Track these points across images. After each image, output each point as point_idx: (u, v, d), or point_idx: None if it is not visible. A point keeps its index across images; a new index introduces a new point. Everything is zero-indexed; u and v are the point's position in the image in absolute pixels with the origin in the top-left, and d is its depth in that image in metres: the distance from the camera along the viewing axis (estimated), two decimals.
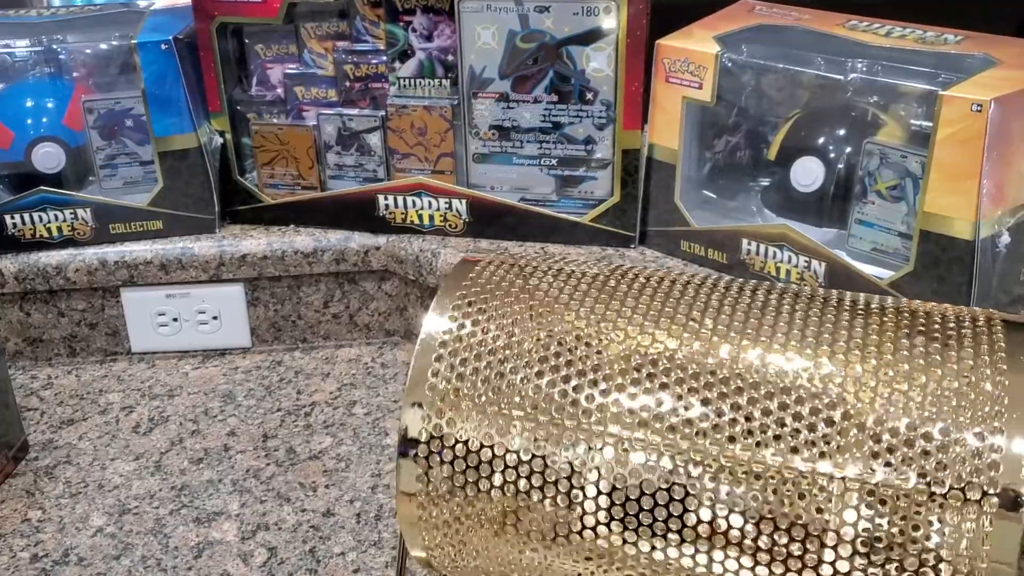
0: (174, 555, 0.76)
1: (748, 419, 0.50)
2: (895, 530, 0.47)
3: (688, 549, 0.50)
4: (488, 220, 1.06)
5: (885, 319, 0.54)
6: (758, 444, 0.49)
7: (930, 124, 0.85)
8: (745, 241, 0.99)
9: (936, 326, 0.52)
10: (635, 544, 0.52)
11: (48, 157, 1.05)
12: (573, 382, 0.54)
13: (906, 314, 0.54)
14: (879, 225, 0.93)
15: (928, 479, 0.46)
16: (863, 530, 0.47)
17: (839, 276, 0.93)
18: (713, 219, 1.04)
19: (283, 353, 1.08)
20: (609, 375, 0.53)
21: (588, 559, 0.54)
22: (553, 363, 0.55)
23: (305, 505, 0.82)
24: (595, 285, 0.59)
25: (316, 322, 1.09)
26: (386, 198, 1.07)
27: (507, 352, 0.56)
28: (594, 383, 0.53)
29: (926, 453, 0.47)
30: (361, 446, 0.90)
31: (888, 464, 0.47)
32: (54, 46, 1.07)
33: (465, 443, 0.55)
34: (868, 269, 0.92)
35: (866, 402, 0.49)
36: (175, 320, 1.06)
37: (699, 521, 0.50)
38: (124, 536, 0.79)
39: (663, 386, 0.52)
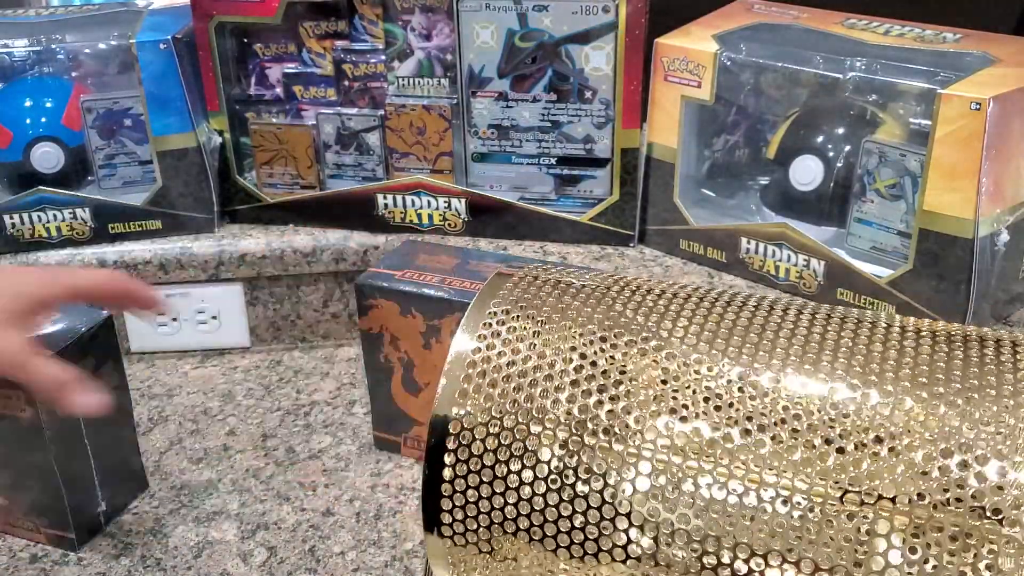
0: (174, 555, 0.76)
1: (789, 451, 0.48)
2: (929, 564, 0.45)
3: (725, 572, 0.49)
4: (487, 219, 1.06)
5: (921, 342, 0.51)
6: (800, 478, 0.47)
7: (929, 122, 0.85)
8: (744, 240, 0.99)
9: (974, 351, 0.51)
10: (668, 570, 0.50)
11: (47, 157, 1.05)
12: (606, 407, 0.52)
13: (943, 338, 0.52)
14: (878, 224, 0.93)
15: (965, 512, 0.45)
16: (898, 563, 0.46)
17: (838, 275, 0.93)
18: (712, 218, 1.04)
19: (282, 352, 1.08)
20: (644, 401, 0.52)
21: None
22: (585, 387, 0.53)
23: (304, 504, 0.82)
24: (630, 306, 0.57)
25: (315, 321, 1.09)
26: (385, 197, 1.07)
27: (537, 375, 0.54)
28: (628, 409, 0.52)
29: (962, 485, 0.45)
30: (361, 445, 0.90)
31: (924, 494, 0.45)
32: (52, 46, 1.07)
33: (492, 467, 0.53)
34: (867, 268, 0.92)
35: (913, 433, 0.47)
36: (174, 320, 1.06)
37: (737, 543, 0.49)
38: (124, 536, 0.79)
39: (699, 415, 0.50)
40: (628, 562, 0.51)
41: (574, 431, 0.52)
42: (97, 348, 0.72)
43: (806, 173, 0.97)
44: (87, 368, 0.73)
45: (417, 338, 0.82)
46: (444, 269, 0.83)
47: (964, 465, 0.46)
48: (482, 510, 0.54)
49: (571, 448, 0.52)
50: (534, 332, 0.56)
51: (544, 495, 0.52)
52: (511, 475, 0.53)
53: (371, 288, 0.81)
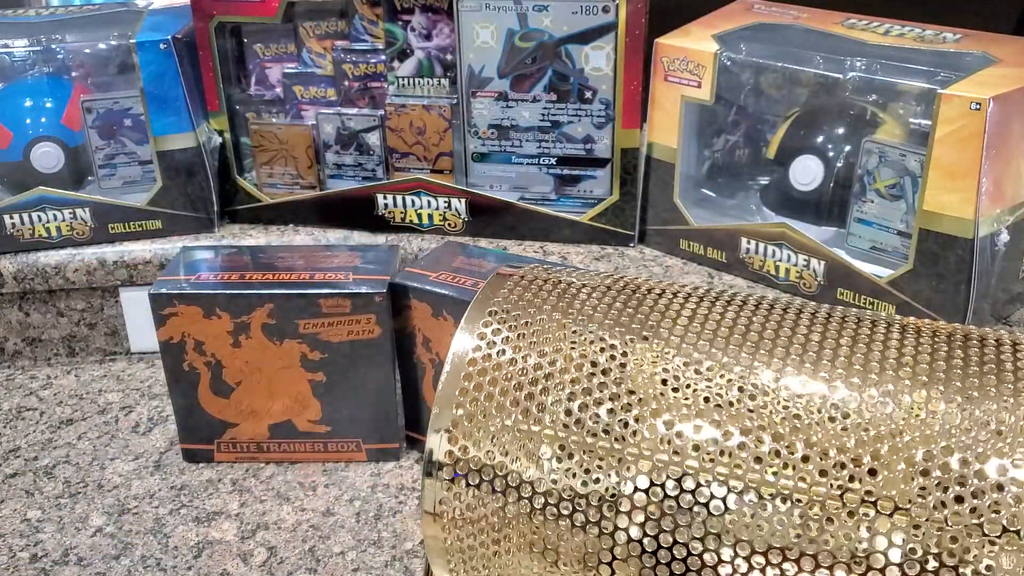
0: (174, 555, 0.76)
1: (790, 450, 0.48)
2: (930, 561, 0.45)
3: (725, 570, 0.49)
4: (487, 219, 1.06)
5: (921, 341, 0.51)
6: (801, 476, 0.47)
7: (929, 122, 0.85)
8: (744, 240, 0.99)
9: (974, 351, 0.51)
10: (669, 569, 0.50)
11: (47, 157, 1.05)
12: (606, 406, 0.52)
13: (943, 337, 0.52)
14: (878, 224, 0.93)
15: (966, 509, 0.45)
16: (899, 562, 0.46)
17: (838, 275, 0.93)
18: (712, 218, 1.04)
19: None
20: (644, 400, 0.52)
21: None
22: (586, 386, 0.53)
23: (304, 504, 0.82)
24: (630, 306, 0.57)
25: None
26: (385, 197, 1.07)
27: (538, 374, 0.54)
28: (628, 408, 0.51)
29: (962, 482, 0.45)
30: None
31: (925, 492, 0.45)
32: (53, 46, 1.07)
33: (493, 467, 0.53)
34: (867, 268, 0.92)
35: (913, 432, 0.47)
36: None
37: (737, 541, 0.48)
38: (124, 536, 0.79)
39: (700, 413, 0.50)
40: (629, 560, 0.51)
41: (574, 430, 0.52)
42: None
43: (806, 173, 0.97)
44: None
45: (447, 340, 0.82)
46: (480, 272, 0.83)
47: (964, 463, 0.46)
48: (482, 510, 0.54)
49: (571, 447, 0.52)
50: (534, 331, 0.56)
51: (544, 494, 0.52)
52: (511, 474, 0.53)
53: (402, 288, 0.81)
